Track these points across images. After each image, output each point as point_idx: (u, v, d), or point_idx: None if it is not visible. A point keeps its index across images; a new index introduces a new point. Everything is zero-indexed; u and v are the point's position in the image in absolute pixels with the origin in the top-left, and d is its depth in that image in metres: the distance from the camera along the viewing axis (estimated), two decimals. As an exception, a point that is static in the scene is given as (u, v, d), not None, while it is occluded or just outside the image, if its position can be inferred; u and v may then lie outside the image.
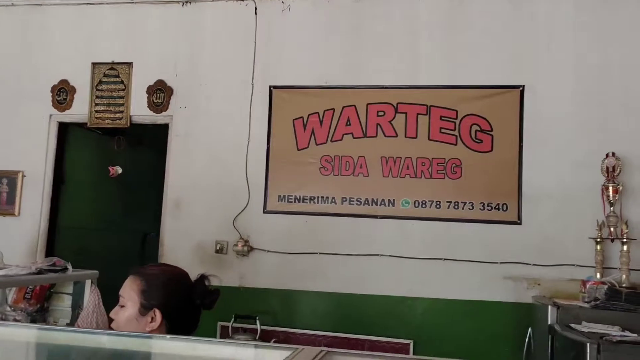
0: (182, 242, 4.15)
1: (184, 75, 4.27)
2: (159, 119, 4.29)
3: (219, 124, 4.19)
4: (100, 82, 4.33)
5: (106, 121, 4.33)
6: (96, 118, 4.33)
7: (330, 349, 0.88)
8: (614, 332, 2.75)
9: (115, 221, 5.13)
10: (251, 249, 4.04)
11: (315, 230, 4.01)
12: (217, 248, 4.09)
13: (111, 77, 4.32)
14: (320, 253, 3.98)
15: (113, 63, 4.35)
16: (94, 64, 4.38)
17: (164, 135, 4.28)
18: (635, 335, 2.68)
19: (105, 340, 1.22)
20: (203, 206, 4.16)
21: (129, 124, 4.30)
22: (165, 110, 4.26)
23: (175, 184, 4.23)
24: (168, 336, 1.40)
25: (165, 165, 4.28)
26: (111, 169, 4.54)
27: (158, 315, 1.58)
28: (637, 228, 3.50)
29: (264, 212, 4.08)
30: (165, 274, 1.66)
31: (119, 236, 5.13)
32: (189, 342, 1.17)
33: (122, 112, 4.27)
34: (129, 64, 4.32)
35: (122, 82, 4.30)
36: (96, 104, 4.32)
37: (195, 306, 1.63)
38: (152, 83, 4.27)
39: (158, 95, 4.23)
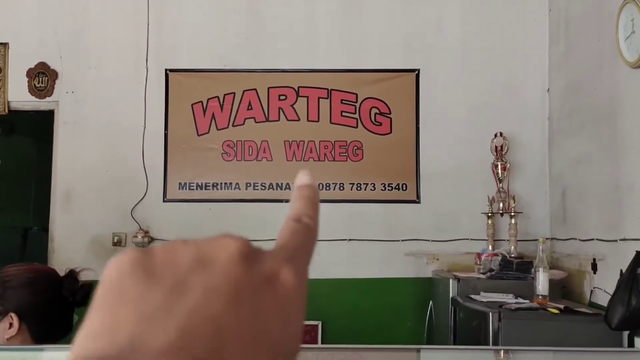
0: (75, 237, 3.88)
1: (70, 58, 3.94)
2: (42, 104, 3.94)
3: (111, 110, 3.94)
4: (-30, 65, 3.89)
5: (-21, 108, 3.91)
6: (-33, 104, 3.90)
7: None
8: (509, 299, 2.97)
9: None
10: (152, 240, 3.87)
11: (220, 218, 3.93)
12: (115, 240, 3.87)
13: (-17, 59, 3.89)
14: (225, 240, 3.89)
15: (-15, 43, 3.93)
16: (-39, 44, 3.92)
17: (49, 123, 3.95)
18: (528, 301, 2.91)
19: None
20: (97, 197, 3.91)
21: (7, 111, 3.92)
22: (49, 96, 3.92)
23: (65, 175, 3.93)
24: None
25: (50, 154, 3.95)
26: (-13, 160, 4.12)
27: (15, 320, 1.42)
28: (521, 201, 3.79)
29: (164, 201, 3.92)
30: (23, 274, 1.50)
31: (-4, 232, 4.68)
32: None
33: (-2, 97, 3.88)
34: (4, 45, 3.92)
35: (-4, 64, 3.89)
36: (-34, 89, 3.88)
37: (67, 304, 1.51)
38: (32, 66, 3.90)
39: (40, 79, 3.88)
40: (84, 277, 1.57)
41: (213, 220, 3.91)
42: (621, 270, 2.51)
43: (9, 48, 3.91)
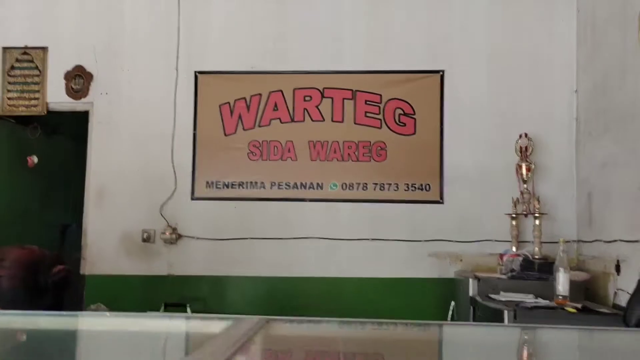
0: (106, 232, 4.03)
1: (104, 61, 4.12)
2: (78, 105, 4.12)
3: (143, 111, 4.09)
4: (13, 68, 4.10)
5: (20, 108, 4.11)
6: (9, 105, 4.10)
7: (270, 317, 0.91)
8: (528, 299, 2.95)
9: (32, 214, 4.88)
10: (179, 236, 3.99)
11: (245, 216, 4.01)
12: (144, 237, 4.00)
13: (24, 62, 4.10)
14: (250, 238, 3.98)
15: (26, 48, 4.13)
16: (4, 48, 4.14)
17: (84, 123, 4.12)
18: (547, 301, 2.89)
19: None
20: (128, 195, 4.05)
21: (45, 111, 4.11)
22: (85, 97, 4.09)
23: (98, 173, 4.09)
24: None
25: (86, 153, 4.12)
26: (29, 159, 4.32)
27: None
28: (547, 203, 3.75)
29: (192, 199, 4.04)
30: (10, 262, 1.59)
31: (36, 229, 4.88)
32: (127, 318, 1.16)
33: (37, 98, 4.07)
34: (44, 49, 4.12)
35: (36, 67, 4.09)
36: (8, 91, 4.09)
37: (44, 288, 1.56)
38: (70, 69, 4.09)
39: (77, 81, 4.06)
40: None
41: (238, 218, 4.01)
42: (640, 271, 2.47)
43: (48, 52, 4.10)
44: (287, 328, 0.95)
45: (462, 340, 1.10)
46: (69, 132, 4.75)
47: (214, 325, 0.91)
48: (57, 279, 1.57)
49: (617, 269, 2.94)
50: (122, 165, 4.06)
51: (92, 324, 1.16)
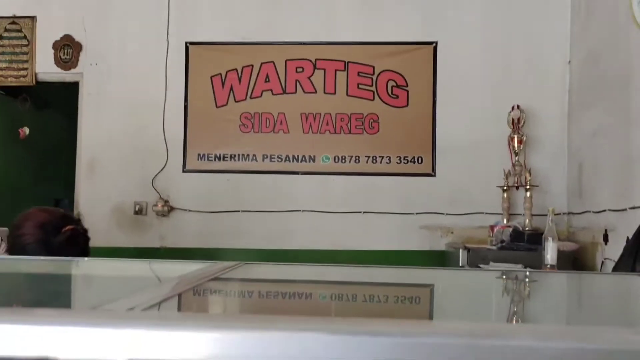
0: (98, 205, 4.02)
1: (93, 31, 4.06)
2: (67, 76, 4.08)
3: (133, 82, 4.05)
4: (1, 37, 4.05)
5: (9, 79, 4.07)
6: (-2, 76, 4.06)
7: (246, 262, 0.91)
8: (517, 269, 2.97)
9: (24, 188, 4.87)
10: (171, 209, 3.99)
11: (237, 188, 4.01)
12: (136, 209, 4.00)
13: (13, 31, 4.04)
14: (242, 211, 3.98)
15: (14, 17, 4.07)
16: (-8, 17, 4.08)
17: (74, 94, 4.09)
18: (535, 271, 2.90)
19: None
20: (119, 167, 4.04)
21: (34, 82, 4.07)
22: (74, 68, 4.05)
23: (89, 145, 4.06)
24: (86, 258, 1.41)
25: (76, 126, 4.10)
26: (21, 130, 4.29)
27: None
28: (538, 175, 3.75)
29: (184, 171, 4.03)
30: (18, 219, 1.71)
31: (28, 204, 4.86)
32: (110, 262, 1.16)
33: (26, 69, 4.03)
34: (32, 18, 4.06)
35: (25, 37, 4.04)
36: (-3, 61, 4.05)
37: (56, 245, 1.65)
38: (58, 38, 4.04)
39: (66, 51, 4.01)
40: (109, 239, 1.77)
41: (230, 190, 4.00)
42: (627, 237, 2.48)
43: (36, 21, 4.05)
44: (261, 270, 0.95)
45: (436, 280, 1.11)
46: (59, 104, 4.71)
47: (193, 267, 0.91)
48: (64, 238, 1.67)
49: (605, 238, 2.96)
50: (113, 138, 4.03)
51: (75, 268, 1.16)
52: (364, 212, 3.96)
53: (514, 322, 0.67)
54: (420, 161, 3.96)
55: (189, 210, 3.99)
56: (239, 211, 3.97)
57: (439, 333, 0.41)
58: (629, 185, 2.73)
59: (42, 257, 1.51)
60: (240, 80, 4.01)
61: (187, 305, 0.57)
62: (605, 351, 0.39)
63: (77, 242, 1.71)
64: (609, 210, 2.94)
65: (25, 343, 0.37)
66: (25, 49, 4.03)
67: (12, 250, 1.69)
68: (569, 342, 0.40)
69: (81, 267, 1.20)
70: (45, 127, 4.75)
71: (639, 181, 2.62)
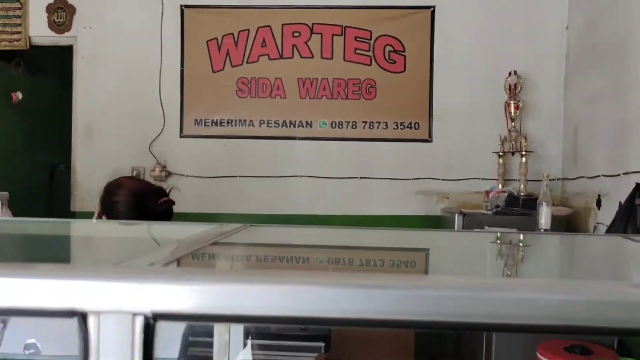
0: (95, 170, 4.02)
1: (87, -7, 4.00)
2: (61, 40, 4.03)
3: (128, 46, 4.01)
4: (-7, 0, 3.99)
5: (2, 43, 4.02)
6: (-10, 40, 4.01)
7: (251, 225, 0.93)
8: (512, 231, 3.02)
9: (19, 154, 4.85)
10: (169, 174, 4.01)
11: (234, 154, 4.02)
12: (134, 174, 4.01)
13: (5, -6, 3.98)
14: (239, 176, 4.00)
15: (6, -21, 4.00)
16: (-17, -21, 4.01)
17: (69, 58, 4.05)
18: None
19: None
20: (116, 132, 4.03)
21: (28, 46, 4.02)
22: (68, 31, 4.00)
23: (85, 110, 4.05)
24: (94, 220, 1.46)
25: (71, 90, 4.07)
26: (13, 95, 4.26)
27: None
28: (534, 141, 3.77)
29: (181, 137, 4.03)
30: (111, 185, 1.87)
31: (24, 171, 4.87)
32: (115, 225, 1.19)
33: (19, 32, 3.98)
34: (24, -20, 3.99)
35: (18, 0, 3.97)
36: (-11, 25, 3.99)
37: (150, 214, 1.80)
38: (52, 1, 3.98)
39: (59, 14, 3.96)
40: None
41: (227, 156, 4.01)
42: (620, 202, 2.52)
43: (28, -16, 3.98)
44: (266, 231, 0.97)
45: (432, 240, 1.14)
46: (53, 68, 4.67)
47: (198, 229, 0.93)
48: (162, 208, 1.84)
49: (598, 203, 3.00)
50: (109, 102, 4.02)
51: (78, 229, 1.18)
52: (360, 178, 3.99)
53: (510, 276, 0.70)
54: (417, 127, 3.97)
55: (187, 176, 4.01)
56: (236, 176, 4.00)
57: (439, 286, 0.43)
58: (623, 151, 2.76)
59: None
60: (236, 44, 3.98)
61: (201, 262, 0.59)
62: (595, 302, 0.42)
63: (170, 215, 1.86)
64: (603, 175, 2.98)
65: (56, 297, 0.39)
66: (18, 12, 3.97)
67: (108, 215, 1.79)
68: (563, 294, 0.42)
69: (86, 228, 1.23)
70: (39, 91, 4.71)
71: (633, 147, 2.65)
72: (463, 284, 0.45)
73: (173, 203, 1.93)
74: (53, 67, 4.64)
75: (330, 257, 0.90)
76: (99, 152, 4.04)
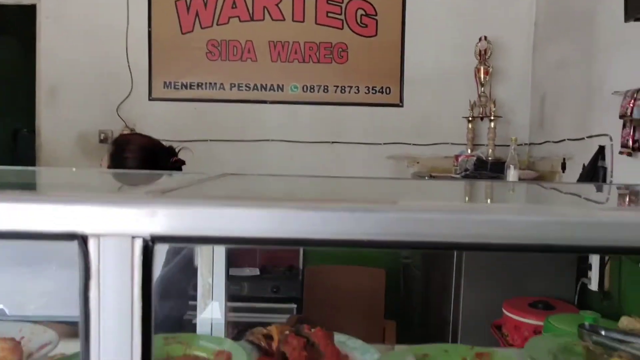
0: (61, 133, 3.94)
1: (49, -51, 3.85)
2: (23, -2, 3.89)
3: (93, 5, 3.89)
4: (-52, -45, 3.80)
5: (-40, 1, 3.85)
6: (-54, -3, 3.84)
7: (231, 173, 0.94)
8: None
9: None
10: (138, 137, 3.94)
11: (205, 117, 3.98)
12: (102, 138, 3.94)
13: (-39, -52, 3.79)
14: (210, 140, 3.97)
15: None
16: None
17: (32, 18, 3.91)
18: (497, 197, 3.03)
19: None
20: (83, 94, 3.94)
21: (-13, 4, 3.87)
22: (30, -11, 3.86)
23: (49, 72, 3.93)
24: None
25: (35, 52, 3.94)
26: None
27: None
28: (503, 107, 3.84)
29: (150, 100, 3.96)
30: (120, 139, 1.93)
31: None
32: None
33: (-22, -10, 3.81)
34: None
35: (-25, -45, 3.80)
36: (-55, -19, 3.81)
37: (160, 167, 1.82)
38: (11, -43, 3.82)
39: (20, -30, 3.80)
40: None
41: (198, 120, 3.97)
42: (584, 165, 2.61)
43: (-14, -63, 3.80)
44: (247, 178, 0.99)
45: (408, 184, 1.17)
46: (15, 29, 4.50)
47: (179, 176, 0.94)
48: (173, 168, 1.86)
49: (563, 166, 3.09)
50: (75, 64, 3.91)
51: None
52: (332, 142, 4.00)
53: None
54: (388, 92, 3.99)
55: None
56: (207, 140, 3.96)
57: (424, 209, 0.45)
58: (587, 115, 2.84)
59: None
60: (205, 5, 3.90)
61: (193, 193, 0.60)
62: (563, 222, 0.45)
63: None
64: (568, 139, 3.06)
65: (58, 221, 0.40)
66: (-24, -32, 3.80)
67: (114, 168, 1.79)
68: (534, 216, 0.45)
69: (77, 174, 1.23)
70: (0, 53, 4.55)
71: (597, 111, 2.72)
72: (432, 206, 0.47)
73: (183, 163, 1.95)
74: (15, 27, 4.46)
75: (309, 190, 0.93)
76: (64, 116, 3.95)
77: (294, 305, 3.68)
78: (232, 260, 3.90)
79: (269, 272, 3.80)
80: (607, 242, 0.44)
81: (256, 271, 3.79)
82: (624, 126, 2.35)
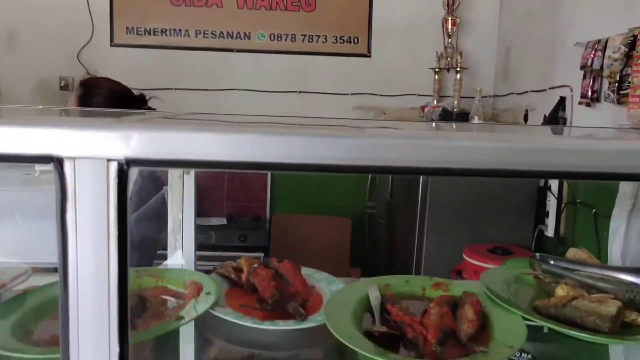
0: (20, 80, 3.81)
1: None
2: None
3: (50, -56, 3.71)
4: None
5: None
6: None
7: (201, 112, 0.95)
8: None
9: None
10: (101, 85, 3.84)
11: (170, 65, 3.90)
12: (62, 85, 3.83)
13: None
14: (175, 89, 3.90)
15: None
16: None
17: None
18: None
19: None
20: (42, 40, 3.80)
21: None
22: None
23: (8, 17, 3.77)
24: None
25: (-12, -7, 3.76)
26: None
27: None
28: (469, 58, 3.87)
29: (112, 46, 3.85)
30: (90, 82, 1.94)
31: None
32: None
33: None
34: None
35: None
36: None
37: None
38: None
39: None
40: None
41: (162, 67, 3.89)
42: (545, 115, 2.68)
43: None
44: (215, 116, 1.00)
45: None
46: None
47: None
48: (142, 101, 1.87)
49: (525, 118, 3.16)
50: (34, 8, 3.75)
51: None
52: (299, 92, 3.99)
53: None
54: (356, 41, 3.96)
55: (120, 87, 3.86)
56: (172, 89, 3.89)
57: (391, 135, 0.48)
58: (550, 67, 2.89)
59: None
60: (169, -53, 3.76)
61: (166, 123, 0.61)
62: (518, 148, 0.48)
63: None
64: (531, 91, 3.12)
65: (34, 144, 0.40)
66: None
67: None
68: (493, 141, 0.48)
69: (46, 110, 1.21)
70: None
71: (560, 63, 2.78)
72: (398, 133, 0.50)
73: (154, 110, 1.89)
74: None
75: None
76: (22, 62, 3.81)
77: (261, 254, 3.73)
78: (199, 209, 3.91)
79: (236, 222, 3.83)
80: (557, 168, 0.47)
81: (223, 220, 3.82)
82: (584, 77, 2.41)
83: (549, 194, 2.69)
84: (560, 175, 0.49)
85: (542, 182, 2.78)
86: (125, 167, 0.42)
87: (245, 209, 3.98)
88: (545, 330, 0.89)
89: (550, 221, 2.68)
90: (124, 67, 3.85)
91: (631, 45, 2.06)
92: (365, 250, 3.87)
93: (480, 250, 2.58)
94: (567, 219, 2.62)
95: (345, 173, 0.44)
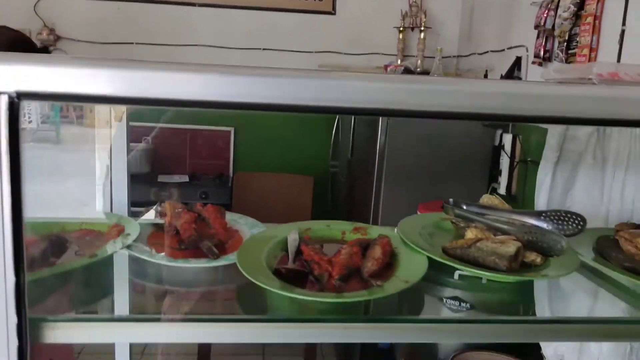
0: (-27, 31, 3.69)
1: None
2: None
3: None
4: None
5: None
6: None
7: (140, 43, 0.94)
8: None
9: None
10: (58, 38, 3.75)
11: (130, 19, 3.80)
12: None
13: None
14: (136, 43, 3.83)
15: None
16: None
17: None
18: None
19: None
20: (-6, -11, 3.67)
21: None
22: None
23: (-45, -39, 3.62)
24: None
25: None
26: None
27: None
28: (434, 18, 3.85)
29: (70, -3, 3.74)
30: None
31: None
32: None
33: None
34: None
35: None
36: None
37: None
38: None
39: None
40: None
41: (122, 20, 3.79)
42: (501, 75, 2.70)
43: None
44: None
45: None
46: None
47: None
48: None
49: (485, 77, 3.18)
50: (-16, -46, 3.61)
51: None
52: (263, 49, 3.94)
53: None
54: (321, -2, 3.91)
55: (78, 40, 3.77)
56: (132, 43, 3.82)
57: (356, 78, 0.48)
58: (509, 27, 2.90)
59: None
60: None
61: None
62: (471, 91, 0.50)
63: None
64: (491, 51, 3.14)
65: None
66: None
67: None
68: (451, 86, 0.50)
69: None
70: None
71: (518, 23, 2.78)
72: (362, 76, 0.52)
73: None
74: None
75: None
76: (-24, 11, 3.68)
77: (223, 211, 3.74)
78: (162, 167, 3.89)
79: (199, 179, 3.83)
80: (507, 111, 0.51)
81: (185, 178, 3.80)
82: (538, 36, 2.43)
83: (502, 152, 2.73)
84: (486, 118, 0.54)
85: (497, 141, 2.82)
86: (16, 100, 0.42)
87: (208, 166, 3.97)
88: (484, 281, 0.91)
89: (503, 179, 2.74)
90: (82, 19, 3.76)
91: (580, 5, 2.08)
92: (327, 208, 3.91)
93: (434, 207, 2.62)
94: (519, 177, 2.67)
95: (309, 113, 0.46)
